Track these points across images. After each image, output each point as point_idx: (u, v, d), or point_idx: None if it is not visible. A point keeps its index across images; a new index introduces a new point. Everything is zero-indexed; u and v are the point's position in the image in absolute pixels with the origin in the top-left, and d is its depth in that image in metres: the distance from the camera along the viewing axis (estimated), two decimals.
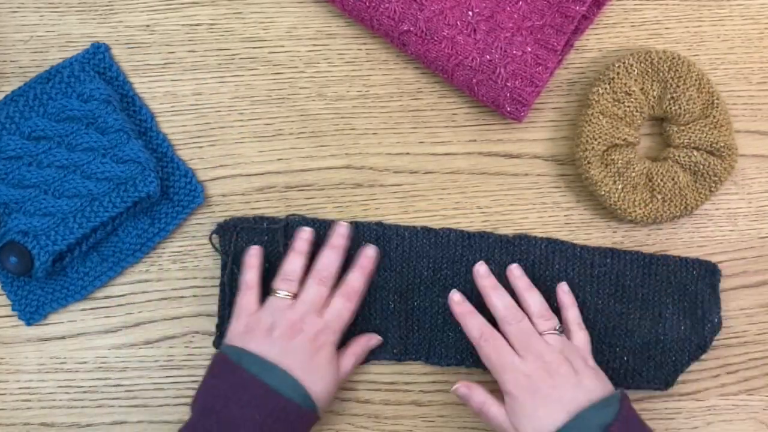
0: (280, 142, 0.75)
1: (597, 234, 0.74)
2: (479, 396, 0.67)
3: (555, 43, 0.70)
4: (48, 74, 0.73)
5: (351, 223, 0.73)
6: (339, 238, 0.70)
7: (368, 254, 0.71)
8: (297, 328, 0.66)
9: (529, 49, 0.70)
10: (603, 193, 0.71)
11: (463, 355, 0.72)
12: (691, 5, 0.76)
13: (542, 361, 0.65)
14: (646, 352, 0.72)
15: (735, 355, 0.74)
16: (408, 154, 0.75)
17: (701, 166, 0.71)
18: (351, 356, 0.70)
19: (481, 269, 0.71)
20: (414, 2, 0.70)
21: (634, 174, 0.71)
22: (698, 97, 0.71)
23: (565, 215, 0.75)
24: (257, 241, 0.72)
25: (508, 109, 0.71)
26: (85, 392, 0.73)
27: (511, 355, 0.66)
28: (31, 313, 0.72)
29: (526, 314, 0.68)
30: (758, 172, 0.75)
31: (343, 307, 0.68)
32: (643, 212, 0.71)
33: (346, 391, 0.73)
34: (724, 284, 0.74)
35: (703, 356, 0.73)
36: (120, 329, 0.73)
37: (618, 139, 0.71)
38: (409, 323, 0.73)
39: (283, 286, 0.68)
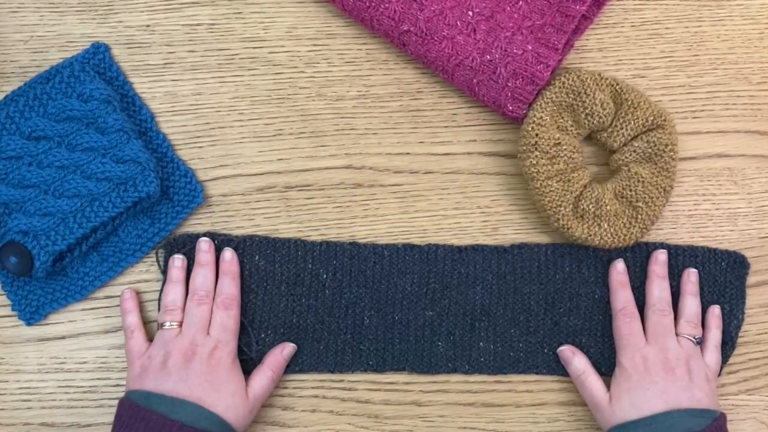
0: (280, 142, 0.75)
1: None
2: (581, 364, 0.70)
3: (556, 42, 0.70)
4: (48, 74, 0.73)
5: (327, 243, 0.73)
6: (204, 254, 0.71)
7: (227, 258, 0.71)
8: (190, 352, 0.67)
9: (530, 48, 0.70)
10: (598, 242, 0.70)
11: (456, 363, 0.72)
12: (691, 5, 0.76)
13: (664, 355, 0.67)
14: None
15: (735, 355, 0.74)
16: (408, 154, 0.75)
17: (652, 147, 0.70)
18: (263, 370, 0.70)
19: (660, 256, 0.72)
20: (414, 2, 0.70)
21: (607, 202, 0.70)
22: (606, 94, 0.70)
23: None
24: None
25: (510, 108, 0.71)
26: (85, 392, 0.73)
27: (640, 337, 0.69)
28: (31, 313, 0.72)
29: (678, 316, 0.70)
30: (758, 172, 0.75)
31: (225, 316, 0.69)
32: (640, 228, 0.70)
33: (345, 391, 0.73)
34: None
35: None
36: (120, 329, 0.73)
37: (577, 186, 0.70)
38: (388, 336, 0.72)
39: (167, 317, 0.69)
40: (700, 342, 0.70)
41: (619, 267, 0.72)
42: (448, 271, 0.73)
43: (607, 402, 0.67)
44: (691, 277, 0.72)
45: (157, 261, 0.73)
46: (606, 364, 0.72)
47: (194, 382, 0.65)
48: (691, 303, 0.71)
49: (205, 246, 0.71)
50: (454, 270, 0.73)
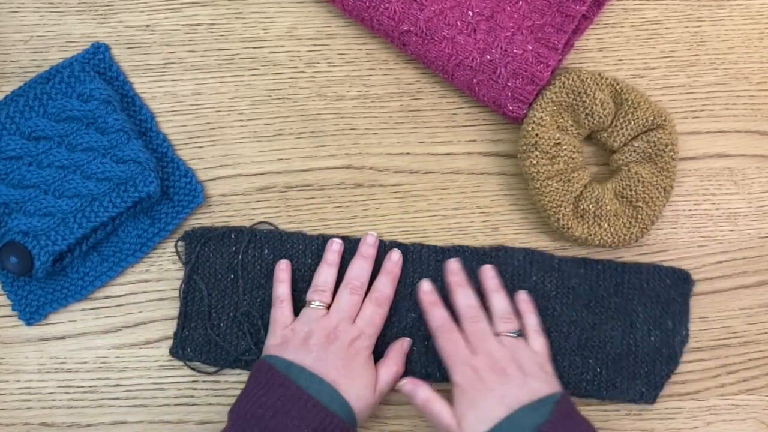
0: (280, 142, 0.75)
1: None
2: (424, 393, 0.68)
3: (556, 42, 0.70)
4: (48, 74, 0.73)
5: (324, 237, 0.73)
6: (369, 248, 0.72)
7: (393, 259, 0.72)
8: (332, 336, 0.67)
9: (530, 47, 0.70)
10: (598, 242, 0.71)
11: (429, 370, 0.71)
12: (691, 5, 0.76)
13: (492, 359, 0.66)
14: (618, 363, 0.71)
15: (735, 355, 0.74)
16: (408, 154, 0.75)
17: (652, 147, 0.70)
18: (388, 365, 0.70)
19: (452, 265, 0.72)
20: (414, 2, 0.70)
21: (607, 202, 0.70)
22: (606, 94, 0.70)
23: None
24: (223, 252, 0.72)
25: (510, 108, 0.71)
26: (85, 392, 0.73)
27: (464, 349, 0.67)
28: (31, 313, 0.72)
29: (490, 314, 0.70)
30: (758, 172, 0.75)
31: (375, 312, 0.70)
32: (640, 228, 0.71)
33: None
34: (724, 284, 0.74)
35: (703, 356, 0.73)
36: (120, 329, 0.73)
37: (577, 185, 0.70)
38: (378, 339, 0.71)
39: (317, 296, 0.70)
40: (520, 334, 0.69)
41: (425, 287, 0.71)
42: (432, 272, 0.72)
43: (456, 425, 0.65)
44: (488, 273, 0.71)
45: (176, 251, 0.73)
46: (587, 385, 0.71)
47: (332, 364, 0.66)
48: (496, 299, 0.70)
49: (371, 240, 0.72)
50: (438, 271, 0.72)
